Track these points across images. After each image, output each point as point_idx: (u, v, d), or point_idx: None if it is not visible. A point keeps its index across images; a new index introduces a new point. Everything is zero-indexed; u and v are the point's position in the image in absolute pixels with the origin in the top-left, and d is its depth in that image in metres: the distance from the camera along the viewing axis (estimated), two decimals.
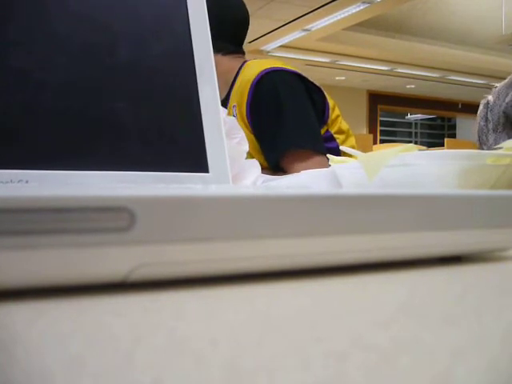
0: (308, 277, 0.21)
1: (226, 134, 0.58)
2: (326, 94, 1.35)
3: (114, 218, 0.16)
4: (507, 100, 2.07)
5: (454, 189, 0.54)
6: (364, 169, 0.62)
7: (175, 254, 0.17)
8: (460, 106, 10.32)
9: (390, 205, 0.23)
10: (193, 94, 0.48)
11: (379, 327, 0.15)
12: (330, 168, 0.74)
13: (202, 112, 0.48)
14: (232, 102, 1.33)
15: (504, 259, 0.28)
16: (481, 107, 2.21)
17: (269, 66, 1.29)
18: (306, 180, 0.79)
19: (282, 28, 6.55)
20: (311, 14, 5.97)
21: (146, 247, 0.17)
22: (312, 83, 1.34)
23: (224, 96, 1.38)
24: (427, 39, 6.74)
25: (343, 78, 7.91)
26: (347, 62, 7.61)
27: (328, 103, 1.33)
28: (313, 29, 6.57)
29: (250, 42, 7.12)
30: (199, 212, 0.17)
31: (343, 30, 6.31)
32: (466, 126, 11.10)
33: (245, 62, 1.41)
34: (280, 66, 1.32)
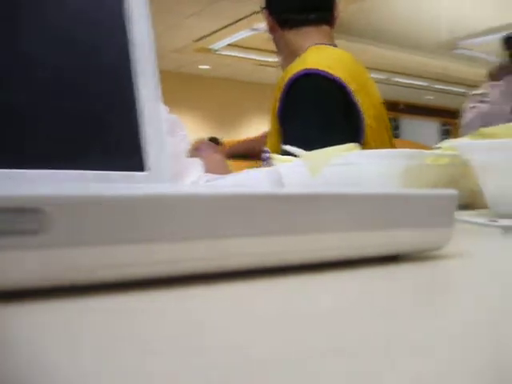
0: (238, 279, 0.21)
1: (167, 131, 0.57)
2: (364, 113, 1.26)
3: (26, 220, 0.15)
4: (507, 108, 2.13)
5: (395, 188, 0.54)
6: (307, 168, 0.62)
7: (92, 258, 0.16)
8: (403, 107, 10.53)
9: (325, 205, 0.23)
10: (131, 90, 0.47)
11: (300, 333, 0.14)
12: (273, 167, 0.74)
13: (141, 108, 0.47)
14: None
15: (438, 258, 0.28)
16: (470, 116, 2.25)
17: (309, 67, 1.23)
18: (250, 179, 0.78)
19: (231, 26, 6.53)
20: (260, 13, 5.98)
21: (60, 250, 0.16)
22: (352, 96, 1.24)
23: None
24: (372, 41, 6.84)
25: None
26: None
27: (363, 124, 1.25)
28: (261, 28, 6.57)
29: (197, 41, 7.07)
30: (117, 212, 0.16)
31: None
32: (409, 126, 11.34)
33: (316, 43, 1.32)
34: (323, 68, 1.23)
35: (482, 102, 2.25)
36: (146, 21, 0.48)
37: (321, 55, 1.28)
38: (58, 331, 0.14)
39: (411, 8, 5.98)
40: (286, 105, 1.25)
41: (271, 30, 1.39)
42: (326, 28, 1.37)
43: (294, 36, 1.36)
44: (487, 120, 2.17)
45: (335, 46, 1.38)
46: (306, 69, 1.22)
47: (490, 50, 6.64)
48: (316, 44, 1.32)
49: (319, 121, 1.20)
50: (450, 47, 7.22)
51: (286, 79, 1.25)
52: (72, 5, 0.45)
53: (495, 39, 6.26)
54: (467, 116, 2.29)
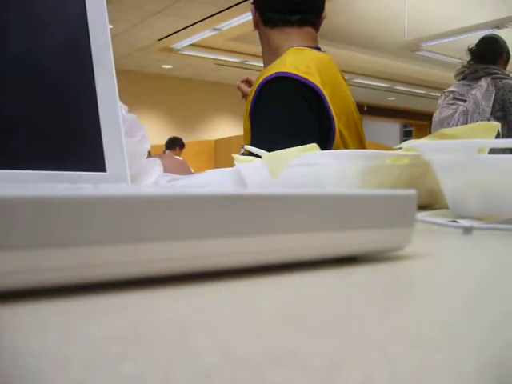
0: (190, 282, 0.20)
1: (126, 132, 0.56)
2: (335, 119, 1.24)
3: None
4: (488, 110, 2.26)
5: (354, 188, 0.54)
6: (267, 168, 0.62)
7: (38, 261, 0.15)
8: (365, 109, 10.64)
9: (282, 205, 0.22)
10: (89, 89, 0.46)
11: (253, 338, 0.14)
12: (235, 167, 0.73)
13: (99, 108, 0.46)
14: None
15: (398, 259, 0.28)
16: (448, 112, 2.39)
17: (284, 70, 1.21)
18: (212, 179, 0.78)
19: (192, 26, 6.51)
20: (221, 13, 5.98)
21: (3, 254, 0.15)
22: (326, 103, 1.22)
23: None
24: (334, 43, 6.89)
25: (253, 78, 7.95)
26: (257, 63, 7.67)
27: (335, 130, 1.23)
28: (223, 28, 6.58)
29: (159, 40, 7.03)
30: (64, 214, 0.15)
31: (253, 30, 6.33)
32: (372, 127, 11.49)
33: (297, 45, 1.31)
34: (299, 72, 1.21)
35: (459, 100, 2.35)
36: (104, 14, 0.47)
37: (298, 58, 1.27)
38: (48, 332, 0.13)
39: (374, 10, 6.05)
40: (257, 106, 1.24)
41: (256, 25, 1.40)
42: (309, 30, 1.36)
43: (277, 35, 1.35)
44: (470, 118, 2.29)
45: (318, 48, 1.37)
46: (281, 72, 1.21)
47: (451, 52, 6.78)
48: (297, 46, 1.31)
49: (287, 125, 1.19)
50: (412, 49, 7.33)
51: (260, 80, 1.24)
52: (28, 4, 0.43)
53: (456, 41, 6.39)
54: (444, 111, 2.40)
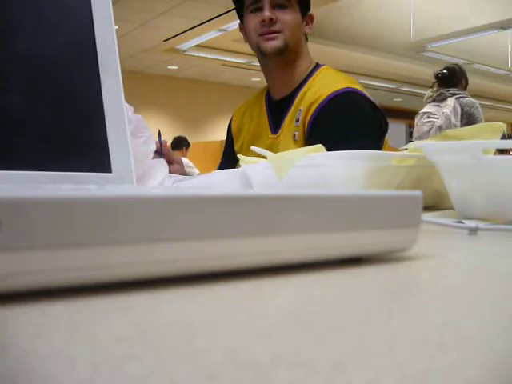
0: (196, 283, 0.20)
1: (131, 132, 0.56)
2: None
3: None
4: (458, 124, 2.75)
5: (360, 189, 0.54)
6: (273, 169, 0.62)
7: (47, 262, 0.15)
8: None
9: (288, 206, 0.22)
10: (95, 90, 0.46)
11: (258, 339, 0.14)
12: (241, 168, 0.73)
13: (105, 109, 0.46)
14: (300, 104, 1.27)
15: (404, 259, 0.28)
16: (426, 129, 2.88)
17: (345, 86, 1.25)
18: (217, 180, 0.78)
19: (198, 27, 6.50)
20: (227, 14, 5.97)
21: (12, 255, 0.15)
22: (383, 115, 1.32)
23: (292, 89, 1.32)
24: (340, 44, 6.87)
25: (259, 79, 7.95)
26: None
27: (383, 141, 1.31)
28: (229, 29, 6.57)
29: (165, 41, 7.03)
30: (72, 215, 0.15)
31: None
32: None
33: (318, 65, 1.34)
34: (355, 87, 1.27)
35: (433, 118, 2.91)
36: (109, 15, 0.47)
37: (342, 78, 1.31)
38: (51, 334, 0.13)
39: (380, 11, 6.04)
40: (332, 116, 1.22)
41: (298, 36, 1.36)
42: None
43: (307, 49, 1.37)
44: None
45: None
46: (343, 88, 1.23)
47: (456, 53, 6.76)
48: (324, 65, 1.35)
49: (369, 138, 1.24)
50: (418, 50, 7.32)
51: (322, 95, 1.23)
52: (34, 5, 0.43)
53: (461, 42, 6.38)
54: (422, 129, 2.97)
